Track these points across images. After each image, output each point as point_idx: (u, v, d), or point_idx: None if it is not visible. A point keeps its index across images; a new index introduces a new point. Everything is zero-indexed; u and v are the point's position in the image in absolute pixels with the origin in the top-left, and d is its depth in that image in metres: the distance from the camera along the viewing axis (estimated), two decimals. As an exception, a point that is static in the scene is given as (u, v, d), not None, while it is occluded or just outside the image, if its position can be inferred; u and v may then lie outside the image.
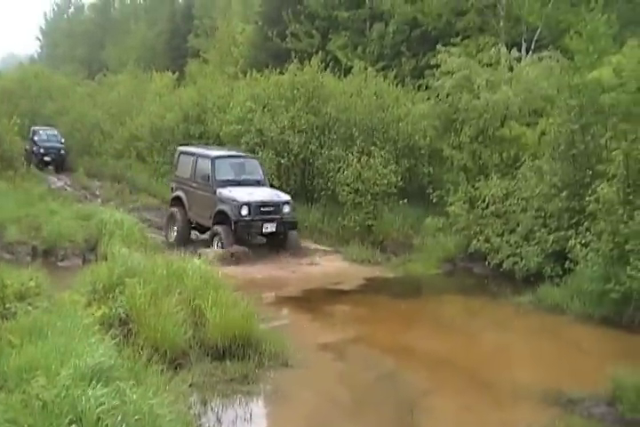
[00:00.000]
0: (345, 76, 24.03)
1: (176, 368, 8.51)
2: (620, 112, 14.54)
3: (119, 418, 5.60)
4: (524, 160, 16.88)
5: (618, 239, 12.54)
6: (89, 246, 15.76)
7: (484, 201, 16.71)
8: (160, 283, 10.09)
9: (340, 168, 19.78)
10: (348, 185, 19.29)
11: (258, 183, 18.59)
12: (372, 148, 19.64)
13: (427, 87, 22.06)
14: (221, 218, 17.28)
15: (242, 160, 19.32)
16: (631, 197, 13.01)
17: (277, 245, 17.70)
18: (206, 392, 8.26)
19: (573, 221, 14.50)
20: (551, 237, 14.67)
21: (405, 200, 19.19)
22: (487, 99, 18.29)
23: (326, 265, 16.71)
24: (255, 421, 7.91)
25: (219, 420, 7.58)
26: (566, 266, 13.78)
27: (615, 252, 12.60)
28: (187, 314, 9.61)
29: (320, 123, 21.32)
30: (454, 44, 21.91)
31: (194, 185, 18.68)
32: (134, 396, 5.98)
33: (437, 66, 20.36)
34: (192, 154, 19.44)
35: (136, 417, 5.70)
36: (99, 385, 5.99)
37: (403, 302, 13.87)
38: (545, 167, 15.90)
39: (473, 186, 17.49)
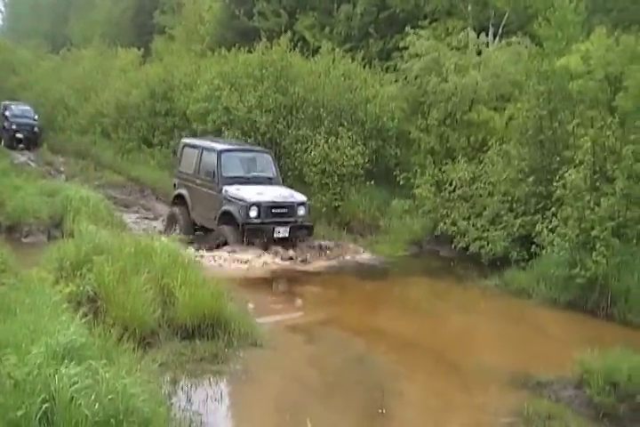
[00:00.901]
0: (313, 56, 23.82)
1: (145, 347, 8.37)
2: (588, 99, 14.59)
3: (92, 397, 5.47)
4: (492, 144, 16.87)
5: (584, 225, 12.57)
6: (54, 223, 15.46)
7: (450, 184, 16.69)
8: (128, 261, 9.92)
9: (307, 148, 19.62)
10: (315, 166, 19.14)
11: (270, 181, 16.62)
12: (340, 128, 19.50)
13: (395, 69, 22.07)
14: (227, 220, 15.38)
15: (252, 154, 17.41)
16: (598, 184, 13.06)
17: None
18: (176, 371, 8.14)
19: (540, 206, 14.56)
20: (518, 222, 14.72)
21: (372, 182, 19.11)
22: (455, 82, 18.29)
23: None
24: (225, 400, 7.80)
25: (189, 399, 7.47)
26: (532, 251, 13.82)
27: (581, 237, 12.62)
28: (155, 293, 9.44)
29: (288, 103, 21.12)
30: (422, 27, 21.90)
31: (198, 182, 16.69)
32: (107, 375, 5.83)
33: (405, 48, 20.32)
34: (196, 146, 17.32)
35: (109, 396, 5.55)
36: (71, 364, 5.84)
37: (370, 283, 13.81)
38: (512, 152, 15.95)
39: (440, 169, 17.44)
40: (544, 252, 13.46)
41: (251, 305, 9.85)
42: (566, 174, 13.25)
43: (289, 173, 20.49)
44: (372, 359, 9.39)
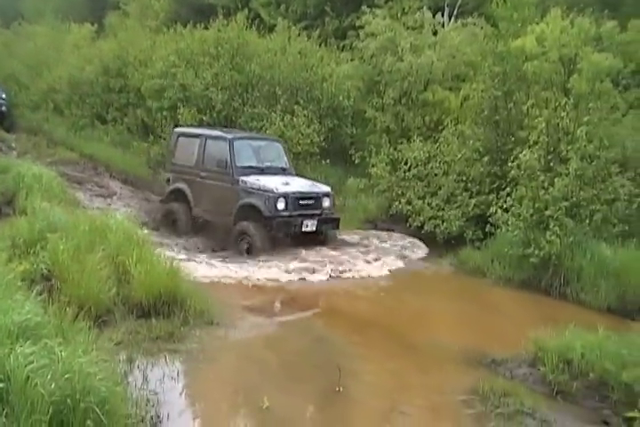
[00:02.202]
0: (269, 34, 23.60)
1: (101, 326, 8.25)
2: (543, 80, 14.66)
3: (49, 377, 5.37)
4: (447, 124, 16.96)
5: (538, 205, 12.68)
6: (5, 200, 15.07)
7: (406, 164, 16.73)
8: (83, 239, 9.76)
9: (262, 127, 19.45)
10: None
11: (283, 171, 15.36)
12: (296, 107, 19.39)
13: (351, 48, 22.02)
14: (247, 214, 13.97)
15: (263, 143, 16.10)
16: (552, 164, 13.22)
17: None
18: (132, 350, 8.03)
19: (494, 185, 14.67)
20: (472, 201, 14.82)
21: (328, 160, 19.02)
22: (411, 62, 18.37)
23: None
24: (182, 379, 7.72)
25: (145, 378, 7.35)
26: (487, 230, 13.91)
27: (535, 217, 12.73)
28: (111, 271, 9.31)
29: (244, 80, 20.91)
30: (378, 6, 21.77)
31: (203, 174, 15.23)
32: (63, 354, 5.73)
33: (361, 27, 20.31)
34: (197, 135, 15.89)
35: (66, 376, 5.45)
36: (26, 343, 5.73)
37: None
38: (467, 132, 16.03)
39: (395, 148, 17.47)
40: (498, 231, 13.56)
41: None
42: (521, 155, 13.36)
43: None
44: (329, 339, 9.37)
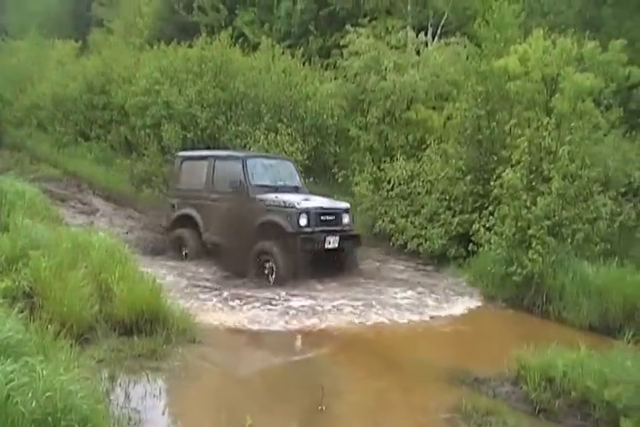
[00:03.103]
0: (253, 52, 23.68)
1: (83, 344, 8.21)
2: (525, 100, 14.74)
3: (30, 395, 5.34)
4: (430, 143, 17.03)
5: (521, 224, 12.73)
6: (-13, 217, 15.12)
7: (389, 182, 16.79)
8: (65, 256, 9.74)
9: (246, 144, 19.50)
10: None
11: (296, 190, 14.96)
12: (279, 125, 19.45)
13: (334, 67, 22.10)
14: (267, 233, 13.36)
15: (274, 162, 15.77)
16: (534, 184, 13.26)
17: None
18: (114, 368, 8.00)
19: (477, 204, 14.73)
20: (455, 220, 14.86)
21: (311, 179, 19.05)
22: (394, 81, 18.39)
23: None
24: (164, 397, 7.70)
25: (127, 396, 7.32)
26: (470, 248, 13.97)
27: (518, 236, 12.79)
28: (93, 288, 9.28)
29: (228, 98, 20.99)
30: (362, 25, 21.85)
31: (213, 197, 14.64)
32: (44, 372, 5.70)
33: (345, 46, 20.37)
34: (204, 158, 15.48)
35: (47, 394, 5.43)
36: (7, 361, 5.70)
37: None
38: (450, 151, 16.08)
39: (379, 167, 17.54)
40: (481, 250, 13.62)
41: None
42: (503, 174, 13.42)
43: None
44: (312, 359, 9.38)
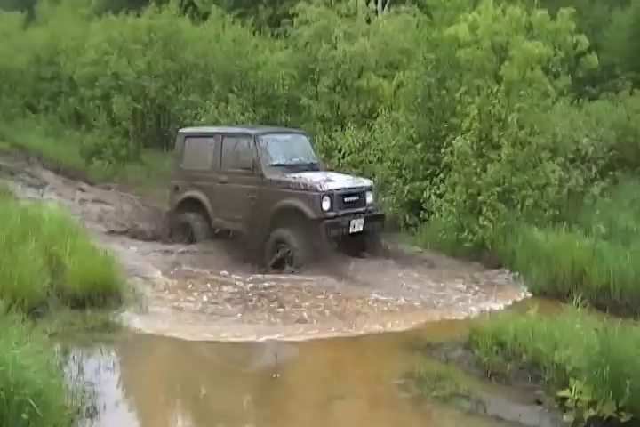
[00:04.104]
0: (202, 21, 23.40)
1: (35, 317, 8.12)
2: (475, 68, 14.70)
3: (-18, 370, 5.28)
4: (381, 111, 16.99)
5: (471, 191, 12.83)
6: None
7: (340, 151, 16.74)
8: (15, 229, 9.67)
9: (196, 114, 19.30)
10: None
11: (313, 167, 13.68)
12: (230, 95, 19.24)
13: (285, 36, 21.87)
14: (285, 219, 12.26)
15: (288, 137, 14.36)
16: (484, 151, 13.33)
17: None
18: (67, 341, 7.93)
19: (428, 172, 14.71)
20: (407, 188, 14.87)
21: (263, 149, 18.93)
22: (345, 50, 18.27)
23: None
24: (118, 370, 7.65)
25: (81, 370, 7.26)
26: (421, 216, 14.03)
27: (468, 203, 12.92)
28: (44, 262, 9.22)
29: (177, 68, 20.77)
30: (312, -6, 21.66)
31: (222, 178, 13.30)
32: (-4, 347, 5.64)
33: (295, 15, 20.17)
34: (210, 135, 14.00)
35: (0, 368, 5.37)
36: (-41, 336, 5.63)
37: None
38: (401, 119, 16.06)
39: (330, 136, 17.47)
40: (432, 217, 13.68)
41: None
42: (454, 141, 13.43)
43: (178, 139, 20.22)
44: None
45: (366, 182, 13.26)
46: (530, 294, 11.28)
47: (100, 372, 7.37)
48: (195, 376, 7.61)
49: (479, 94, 13.83)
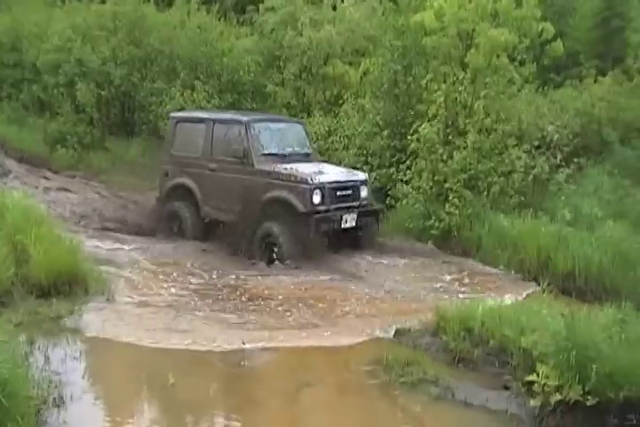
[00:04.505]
0: (168, 8, 23.18)
1: (-1, 307, 8.06)
2: (441, 55, 14.72)
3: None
4: (347, 98, 17.01)
5: (437, 177, 12.89)
6: None
7: (307, 138, 16.68)
8: (-22, 218, 9.54)
9: (162, 102, 19.14)
10: (169, 119, 18.68)
11: (307, 158, 13.22)
12: (196, 82, 19.09)
13: (250, 22, 21.80)
14: (274, 211, 11.80)
15: (283, 125, 13.82)
16: (450, 137, 13.37)
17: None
18: (33, 331, 7.85)
19: (395, 159, 14.73)
20: (373, 175, 14.80)
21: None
22: (311, 37, 18.22)
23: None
24: (84, 359, 7.58)
25: (47, 359, 7.19)
26: (388, 203, 14.03)
27: (435, 189, 12.97)
28: (8, 250, 9.11)
29: (142, 55, 20.51)
30: (277, -19, 21.55)
31: (212, 166, 12.88)
32: (-40, 336, 5.56)
33: (261, 2, 20.14)
34: (202, 120, 13.49)
35: (-36, 359, 5.31)
36: None
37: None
38: (367, 106, 16.06)
39: (296, 123, 17.40)
40: (399, 204, 13.70)
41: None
42: (420, 128, 13.47)
43: (143, 127, 20.08)
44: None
45: (361, 176, 12.77)
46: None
47: (66, 361, 7.30)
48: (162, 365, 7.56)
49: (445, 81, 13.85)
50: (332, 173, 12.38)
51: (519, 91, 14.81)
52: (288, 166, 12.11)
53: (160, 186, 13.95)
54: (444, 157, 12.98)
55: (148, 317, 8.92)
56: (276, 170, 12.03)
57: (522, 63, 14.47)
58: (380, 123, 15.38)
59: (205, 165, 12.97)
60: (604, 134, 15.77)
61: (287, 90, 18.83)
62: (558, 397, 6.31)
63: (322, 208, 11.62)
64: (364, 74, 17.34)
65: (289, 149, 13.04)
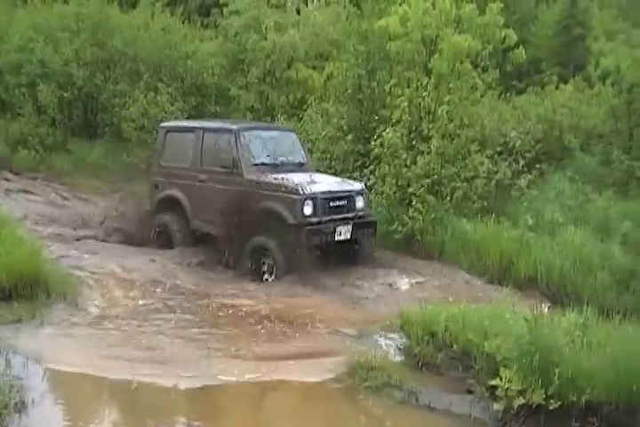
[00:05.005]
0: (131, 9, 23.03)
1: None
2: (405, 60, 14.77)
3: None
4: (311, 103, 17.03)
5: (401, 182, 12.94)
6: None
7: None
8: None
9: (125, 104, 19.04)
10: (133, 121, 18.57)
11: (301, 167, 12.74)
12: (159, 84, 19.04)
13: (215, 25, 21.81)
14: (264, 224, 11.23)
15: (275, 134, 13.37)
16: (414, 143, 13.44)
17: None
18: (-7, 334, 7.75)
19: (358, 163, 14.77)
20: (336, 179, 14.87)
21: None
22: (275, 40, 18.29)
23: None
24: (45, 362, 7.47)
25: (8, 363, 7.07)
26: (352, 207, 14.04)
27: (398, 194, 13.01)
28: (-32, 252, 8.98)
29: (106, 56, 20.37)
30: (241, -16, 21.54)
31: (202, 177, 12.38)
32: None
33: (225, 4, 20.13)
34: (191, 129, 13.07)
35: None
36: None
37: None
38: (331, 110, 16.05)
39: (260, 127, 17.39)
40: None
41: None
42: (384, 133, 13.46)
43: (106, 129, 19.94)
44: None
45: (356, 186, 12.19)
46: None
47: (27, 365, 7.18)
48: (125, 367, 7.48)
49: (409, 87, 13.94)
50: (325, 183, 11.82)
51: (482, 97, 14.93)
52: (279, 176, 11.57)
53: (150, 198, 13.48)
54: (408, 162, 13.03)
55: (108, 331, 8.67)
56: (266, 180, 11.50)
57: (485, 69, 14.59)
58: (344, 127, 15.41)
59: (195, 176, 12.47)
60: (566, 141, 15.93)
61: (251, 93, 18.87)
62: (521, 401, 6.34)
63: (313, 220, 11.06)
64: (328, 78, 17.37)
65: (281, 159, 12.56)
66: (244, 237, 11.35)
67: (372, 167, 13.89)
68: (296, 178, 11.56)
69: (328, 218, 11.24)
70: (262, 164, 12.04)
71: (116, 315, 9.19)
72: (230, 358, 7.95)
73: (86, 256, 11.81)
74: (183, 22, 22.23)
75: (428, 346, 7.87)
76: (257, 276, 11.25)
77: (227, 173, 11.84)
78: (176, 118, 17.84)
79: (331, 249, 11.31)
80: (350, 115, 15.45)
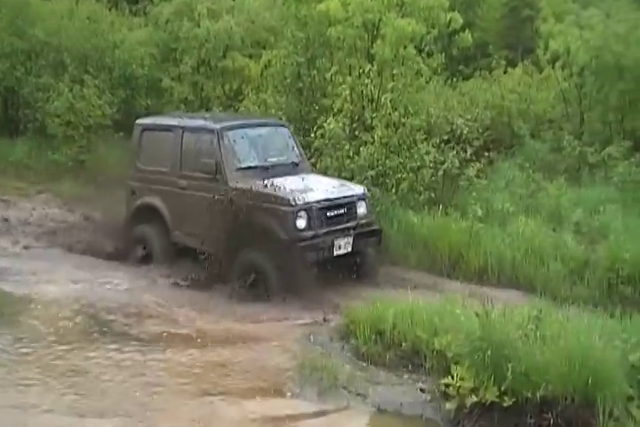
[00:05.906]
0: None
1: None
2: (346, 46, 14.81)
3: None
4: (248, 93, 16.91)
5: (344, 175, 12.85)
6: None
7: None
8: None
9: (49, 98, 18.72)
10: (58, 117, 18.22)
11: (295, 168, 11.64)
12: (85, 76, 18.71)
13: (144, 13, 21.57)
14: (253, 238, 10.25)
15: (263, 131, 12.01)
16: (357, 133, 13.42)
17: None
18: None
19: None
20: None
21: (122, 133, 18.46)
22: (208, 28, 18.14)
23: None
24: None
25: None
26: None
27: (341, 187, 12.93)
28: None
29: (26, 47, 20.02)
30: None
31: (182, 183, 11.28)
32: None
33: (156, -10, 19.92)
34: (170, 128, 11.80)
35: None
36: None
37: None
38: (269, 101, 15.94)
39: (195, 119, 17.27)
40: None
41: None
42: (325, 123, 13.40)
43: (29, 125, 19.60)
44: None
45: (357, 190, 11.16)
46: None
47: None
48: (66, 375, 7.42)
49: (351, 74, 14.00)
50: (321, 190, 10.70)
51: (427, 83, 15.03)
52: (268, 183, 10.44)
53: (126, 205, 12.34)
54: (351, 153, 12.97)
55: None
56: (254, 189, 10.37)
57: (430, 54, 14.70)
58: (283, 118, 15.33)
59: (175, 182, 11.39)
60: (515, 127, 16.12)
61: (184, 84, 18.71)
62: (474, 399, 6.39)
63: (308, 234, 10.09)
64: (266, 67, 17.31)
65: (272, 160, 11.46)
66: (230, 253, 10.42)
67: (313, 160, 13.82)
68: (288, 184, 10.52)
69: (325, 230, 10.30)
70: (249, 167, 11.02)
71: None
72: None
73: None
74: (110, 9, 21.96)
75: (375, 345, 7.90)
76: (246, 296, 10.20)
77: (209, 179, 10.80)
78: (104, 113, 17.63)
79: (330, 264, 10.32)
80: (289, 105, 15.38)
